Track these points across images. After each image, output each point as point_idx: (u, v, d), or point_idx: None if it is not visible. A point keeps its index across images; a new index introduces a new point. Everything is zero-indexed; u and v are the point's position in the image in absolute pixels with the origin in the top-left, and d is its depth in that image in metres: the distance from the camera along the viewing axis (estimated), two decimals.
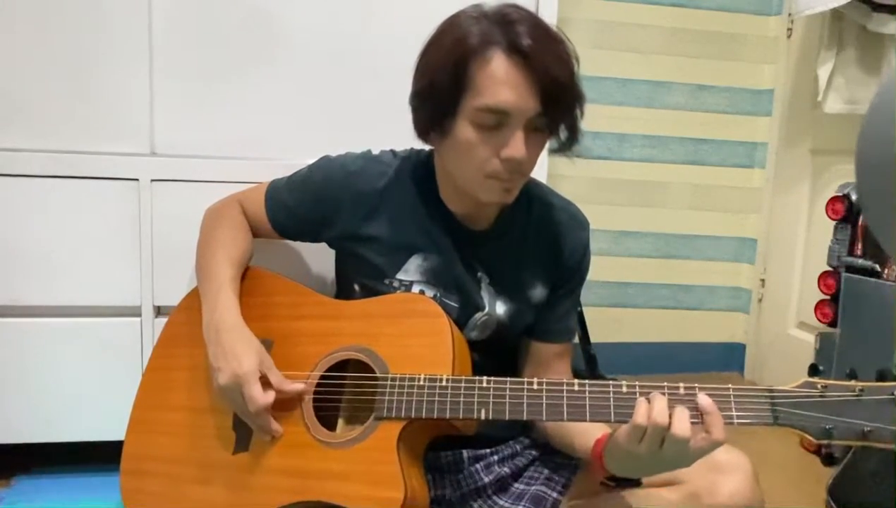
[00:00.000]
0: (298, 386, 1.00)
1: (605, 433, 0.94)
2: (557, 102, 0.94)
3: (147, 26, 1.38)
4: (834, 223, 1.54)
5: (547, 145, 1.02)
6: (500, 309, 1.10)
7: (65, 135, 1.37)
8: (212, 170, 1.36)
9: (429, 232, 1.08)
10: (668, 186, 2.33)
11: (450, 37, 0.96)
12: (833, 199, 1.53)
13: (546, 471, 1.10)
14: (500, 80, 0.92)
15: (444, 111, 0.96)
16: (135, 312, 1.38)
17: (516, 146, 0.94)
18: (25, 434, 1.39)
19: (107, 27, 1.36)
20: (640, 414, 0.83)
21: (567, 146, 1.02)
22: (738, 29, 2.29)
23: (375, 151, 1.14)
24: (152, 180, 1.35)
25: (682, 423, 0.82)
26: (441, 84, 0.94)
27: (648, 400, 0.84)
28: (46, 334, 1.36)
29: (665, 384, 0.86)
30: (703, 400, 0.83)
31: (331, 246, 1.17)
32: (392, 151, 1.14)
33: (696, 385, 0.85)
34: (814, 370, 0.83)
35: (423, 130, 1.02)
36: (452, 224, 1.08)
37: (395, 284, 1.08)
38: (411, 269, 1.08)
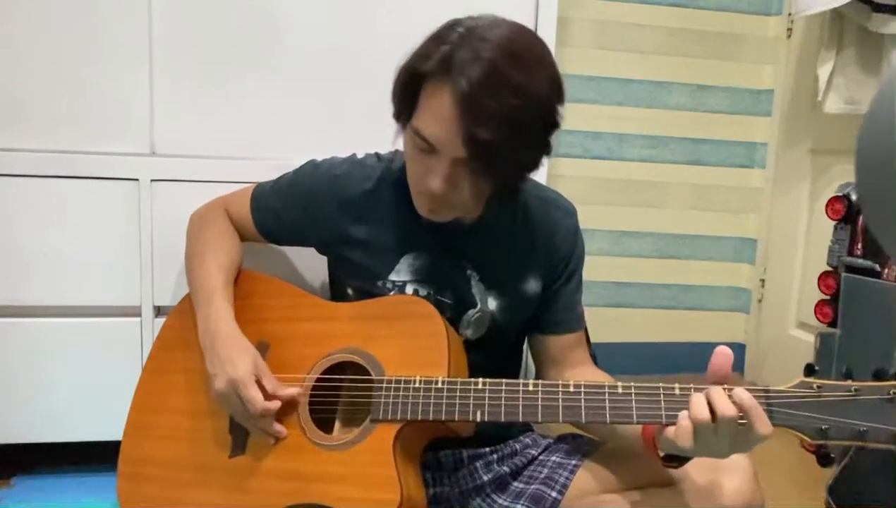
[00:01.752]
0: (293, 391, 1.00)
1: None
2: (484, 159, 0.90)
3: (147, 26, 1.38)
4: (834, 223, 1.53)
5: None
6: (493, 304, 1.10)
7: (65, 135, 1.37)
8: (212, 170, 1.36)
9: (416, 232, 1.08)
10: (667, 186, 2.33)
11: (424, 49, 0.95)
12: (833, 199, 1.53)
13: (545, 471, 1.10)
14: (436, 112, 0.90)
15: (398, 116, 0.98)
16: (135, 312, 1.38)
17: (434, 180, 0.93)
18: (25, 434, 1.39)
19: (107, 27, 1.36)
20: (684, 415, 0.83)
21: (497, 198, 0.99)
22: (738, 29, 2.29)
23: (360, 155, 1.15)
24: (152, 180, 1.35)
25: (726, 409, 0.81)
26: (400, 92, 0.96)
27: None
28: (46, 334, 1.36)
29: (661, 385, 0.86)
30: (742, 394, 0.81)
31: (320, 251, 1.17)
32: (376, 154, 1.15)
33: (692, 385, 0.85)
34: (809, 370, 0.83)
35: (395, 119, 1.01)
36: (437, 223, 1.08)
37: (389, 285, 1.08)
38: (403, 270, 1.08)
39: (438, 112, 0.90)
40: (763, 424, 0.80)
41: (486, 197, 0.98)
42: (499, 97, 0.87)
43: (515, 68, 0.89)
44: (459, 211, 1.01)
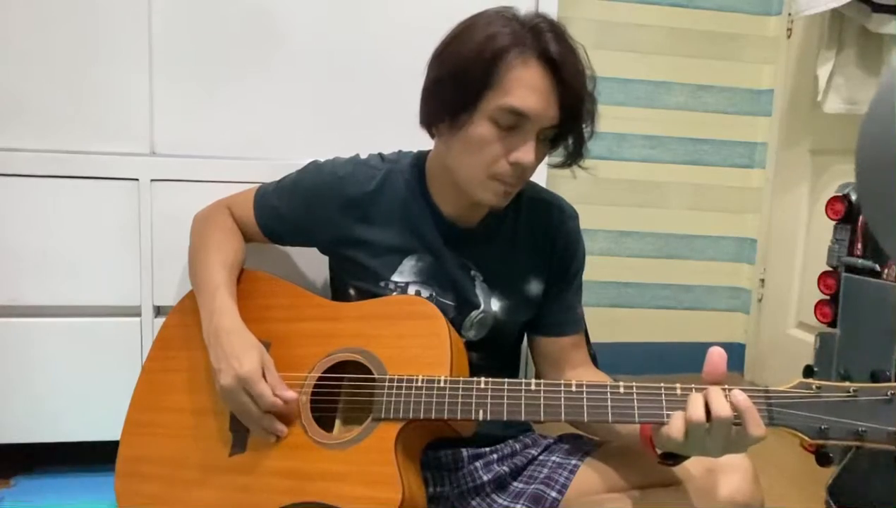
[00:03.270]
0: (291, 394, 0.99)
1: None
2: (575, 116, 0.97)
3: (147, 26, 1.38)
4: (834, 223, 1.53)
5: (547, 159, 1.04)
6: (496, 305, 1.10)
7: (65, 135, 1.37)
8: (212, 170, 1.36)
9: (420, 233, 1.09)
10: (667, 186, 2.33)
11: (482, 31, 0.95)
12: (833, 199, 1.53)
13: (545, 471, 1.10)
14: (529, 84, 0.93)
15: (463, 103, 0.96)
16: (135, 312, 1.38)
17: (527, 151, 0.96)
18: (25, 434, 1.39)
19: (107, 27, 1.36)
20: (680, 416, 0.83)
21: (570, 161, 1.04)
22: (738, 29, 2.29)
23: (363, 155, 1.15)
24: (152, 180, 1.35)
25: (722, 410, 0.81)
26: (468, 75, 0.94)
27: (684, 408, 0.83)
28: (46, 334, 1.36)
29: (662, 385, 0.86)
30: (738, 395, 0.81)
31: (323, 251, 1.17)
32: (380, 155, 1.14)
33: (693, 385, 0.85)
34: (808, 371, 0.84)
35: (431, 119, 1.01)
36: (442, 224, 1.09)
37: (391, 286, 1.08)
38: (406, 271, 1.08)
39: (531, 82, 0.93)
40: (756, 426, 0.80)
41: None
42: (575, 57, 0.95)
43: (565, 32, 0.97)
44: (520, 188, 1.04)
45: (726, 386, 0.83)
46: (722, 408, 0.80)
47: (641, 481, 1.02)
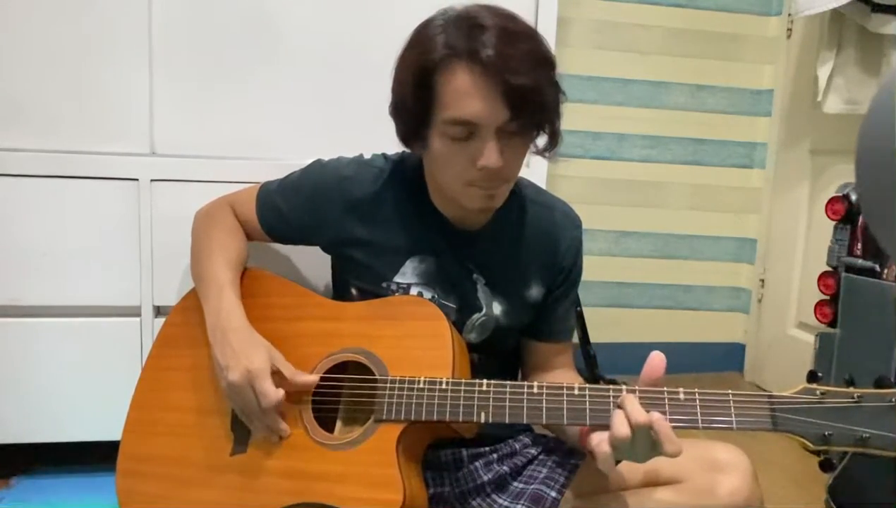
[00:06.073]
0: (311, 378, 0.99)
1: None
2: (527, 108, 0.93)
3: (147, 26, 1.38)
4: (834, 223, 1.54)
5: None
6: (497, 309, 1.10)
7: (65, 135, 1.37)
8: (211, 170, 1.36)
9: (423, 234, 1.08)
10: (667, 186, 2.33)
11: (415, 50, 0.96)
12: (833, 199, 1.53)
13: (545, 470, 1.10)
14: (464, 92, 0.91)
15: (416, 125, 0.97)
16: (135, 312, 1.38)
17: (489, 155, 0.93)
18: (25, 434, 1.39)
19: (107, 27, 1.36)
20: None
21: (547, 149, 1.02)
22: (738, 29, 2.29)
23: (367, 155, 1.15)
24: (152, 180, 1.35)
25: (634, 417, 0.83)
26: (409, 100, 0.95)
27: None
28: (47, 334, 1.36)
29: (665, 389, 0.86)
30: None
31: (325, 250, 1.17)
32: (384, 155, 1.14)
33: (696, 390, 0.85)
34: (812, 376, 0.83)
35: (404, 141, 1.02)
36: (445, 226, 1.09)
37: (393, 287, 1.08)
38: (408, 272, 1.08)
39: (465, 88, 0.91)
40: (669, 442, 0.81)
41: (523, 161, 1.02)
42: (515, 45, 0.91)
43: (512, 21, 0.94)
44: (508, 187, 1.02)
45: (665, 389, 0.85)
46: (640, 415, 0.82)
47: (641, 480, 1.02)
